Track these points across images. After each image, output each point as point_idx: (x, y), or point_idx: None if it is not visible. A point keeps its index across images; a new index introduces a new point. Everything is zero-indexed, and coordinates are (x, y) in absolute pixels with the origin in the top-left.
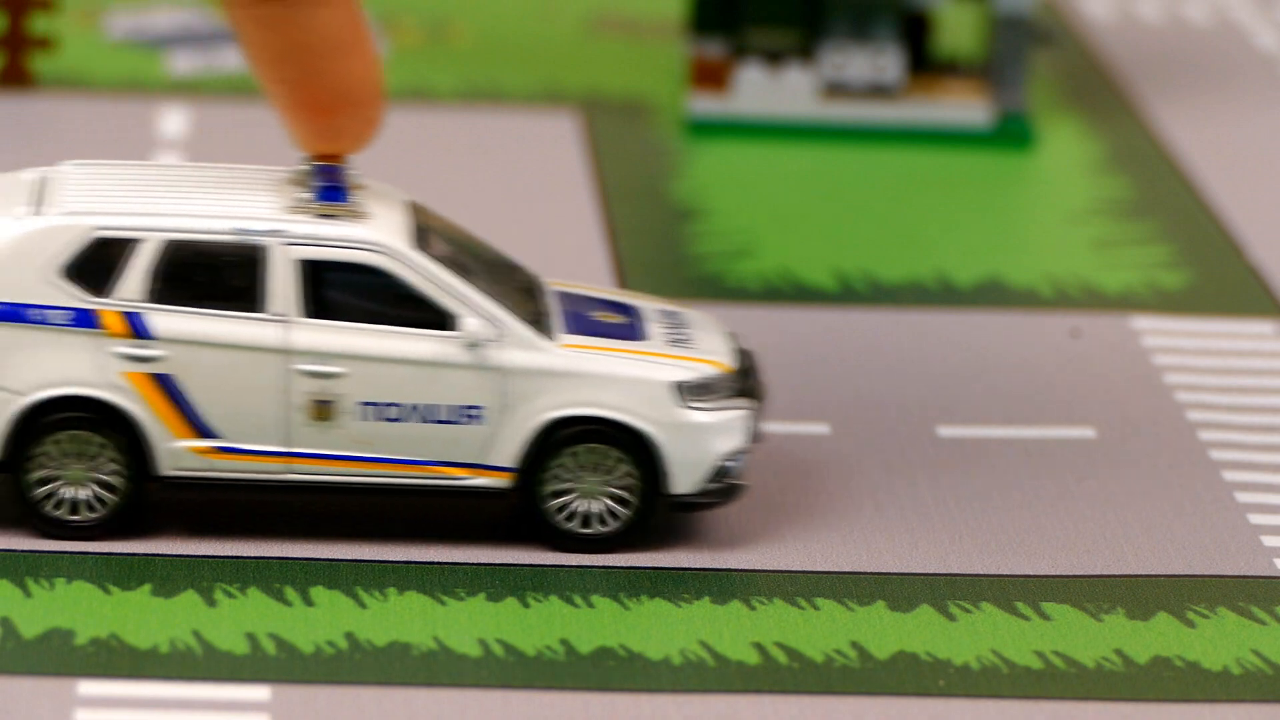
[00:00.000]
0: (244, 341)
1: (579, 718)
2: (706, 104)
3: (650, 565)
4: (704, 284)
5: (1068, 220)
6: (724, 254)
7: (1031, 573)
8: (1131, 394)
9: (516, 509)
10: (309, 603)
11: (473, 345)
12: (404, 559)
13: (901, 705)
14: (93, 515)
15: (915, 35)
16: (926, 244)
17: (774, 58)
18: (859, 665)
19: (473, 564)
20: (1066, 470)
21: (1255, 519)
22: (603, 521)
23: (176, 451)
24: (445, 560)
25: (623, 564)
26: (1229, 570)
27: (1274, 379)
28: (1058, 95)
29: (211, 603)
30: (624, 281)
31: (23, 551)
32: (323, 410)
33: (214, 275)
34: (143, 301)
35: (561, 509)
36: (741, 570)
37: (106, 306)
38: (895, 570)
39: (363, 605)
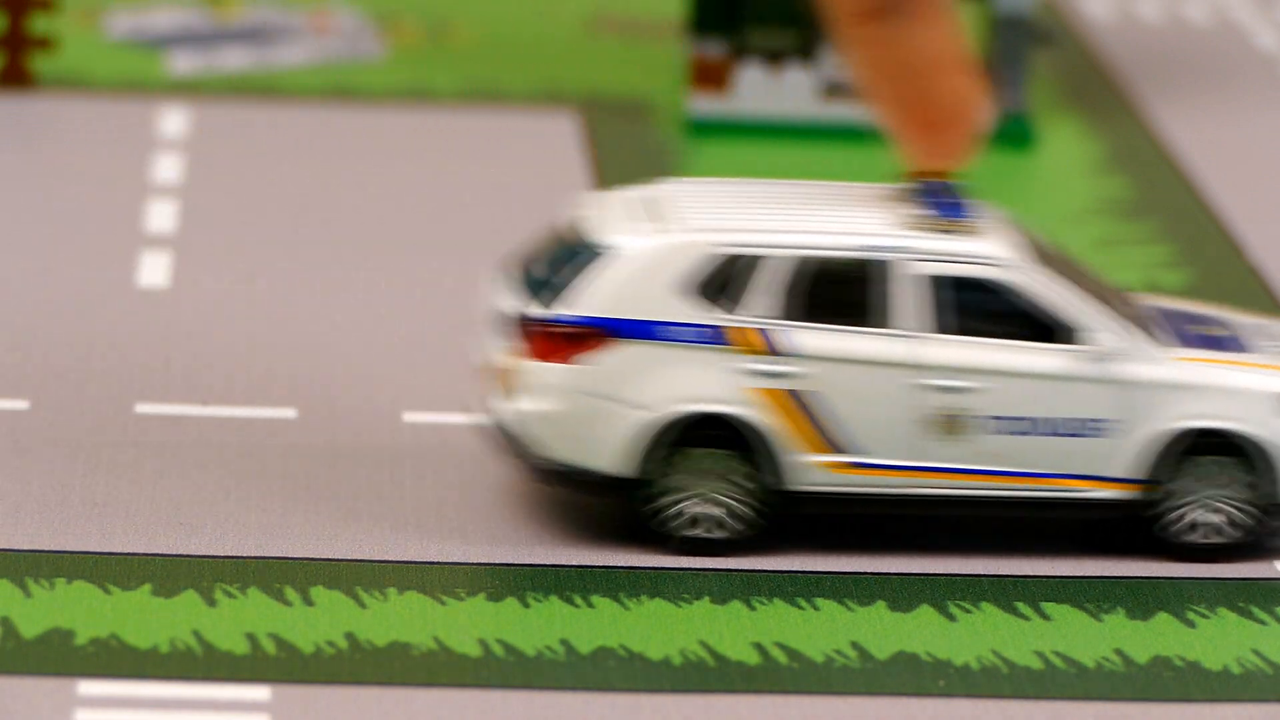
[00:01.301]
0: (875, 357)
1: (579, 718)
2: (706, 104)
3: (650, 565)
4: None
5: (1068, 220)
6: None
7: (1031, 573)
8: None
9: (1133, 520)
10: (309, 603)
11: (1099, 359)
12: (404, 559)
13: (901, 705)
14: (720, 532)
15: None
16: None
17: (774, 58)
18: (859, 665)
19: (473, 564)
20: None
21: None
22: (1217, 532)
23: (807, 467)
24: (445, 560)
25: (622, 564)
26: (1229, 570)
27: None
28: (1058, 95)
29: (211, 603)
30: None
31: (23, 551)
32: (952, 425)
33: (840, 291)
34: (771, 318)
35: (1180, 520)
36: (741, 570)
37: (736, 323)
38: (895, 570)
39: (363, 605)
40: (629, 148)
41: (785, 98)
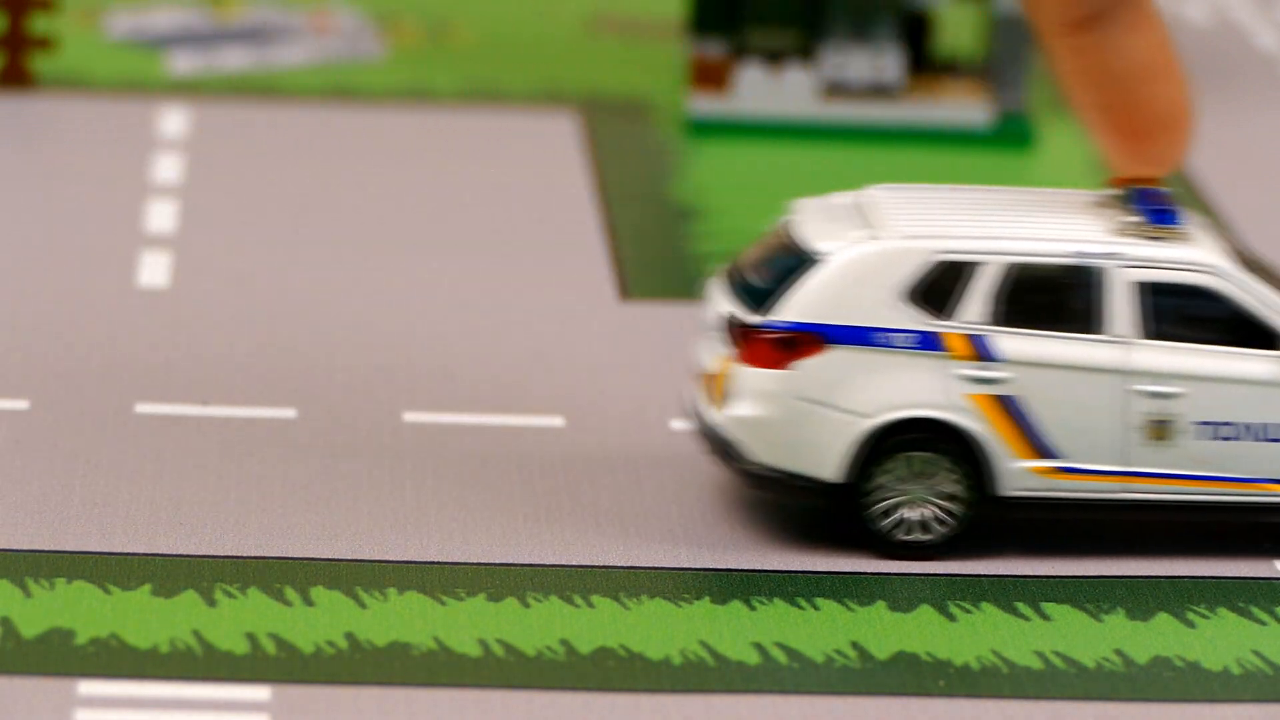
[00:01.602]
0: (1085, 363)
1: (579, 718)
2: (706, 104)
3: (651, 565)
4: (704, 284)
5: None
6: (724, 254)
7: (1031, 573)
8: None
9: None
10: (309, 603)
11: None
12: (404, 559)
13: (901, 705)
14: (930, 536)
15: (915, 35)
16: None
17: (774, 58)
18: (859, 665)
19: (473, 564)
20: None
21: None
22: None
23: (1018, 472)
24: (445, 560)
25: (622, 564)
26: (1229, 570)
27: None
28: (1058, 95)
29: (211, 603)
30: (624, 281)
31: (23, 551)
32: (1160, 430)
33: (1052, 298)
34: (985, 324)
35: None
36: (741, 570)
37: (950, 329)
38: (895, 570)
39: (363, 605)
40: (629, 148)
41: (785, 98)
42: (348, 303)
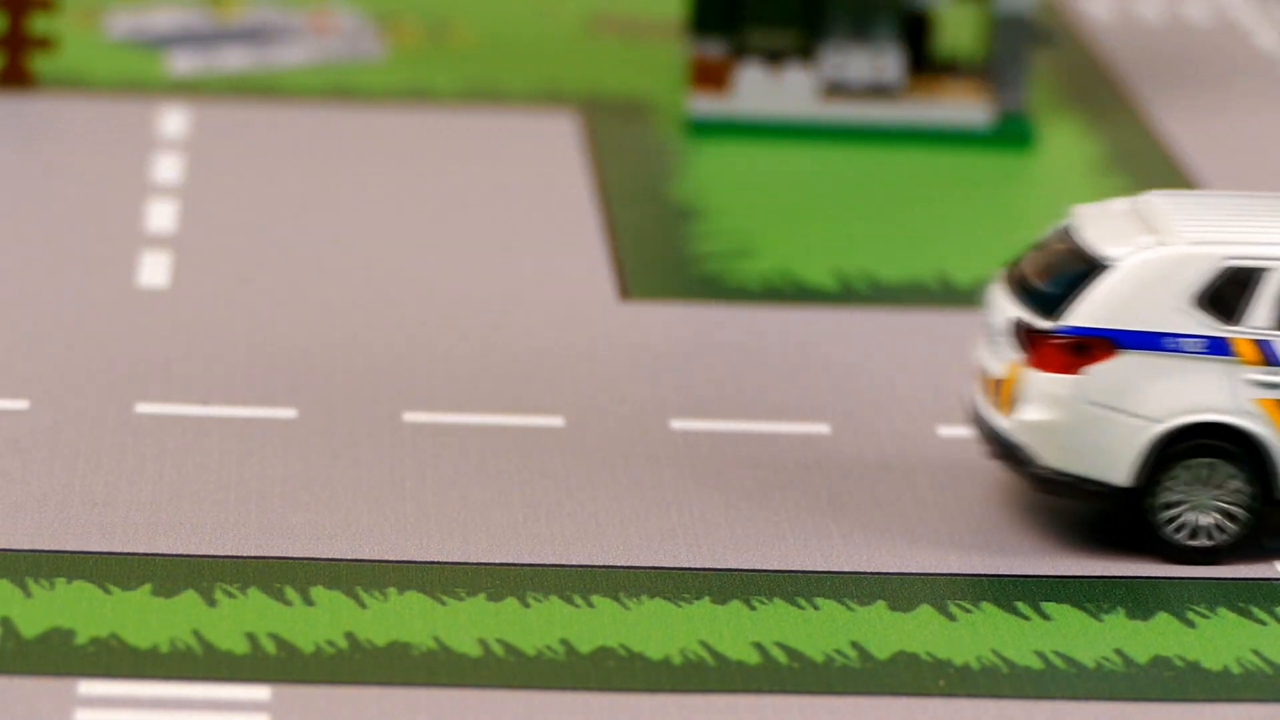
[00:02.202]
0: None
1: (579, 718)
2: (706, 104)
3: (650, 565)
4: (704, 284)
5: None
6: (724, 254)
7: (1031, 573)
8: None
9: None
10: (309, 603)
11: None
12: (404, 559)
13: (901, 705)
14: (1214, 540)
15: (915, 35)
16: (926, 244)
17: (774, 58)
18: (859, 665)
19: (473, 564)
20: None
21: None
22: None
23: None
24: (445, 560)
25: (622, 564)
26: (1229, 570)
27: None
28: (1058, 95)
29: (211, 603)
30: (624, 281)
31: (23, 551)
32: None
33: None
34: (1272, 329)
35: None
36: (741, 570)
37: (1238, 334)
38: (895, 570)
39: (363, 605)
40: (629, 148)
41: (785, 98)
42: (348, 302)
